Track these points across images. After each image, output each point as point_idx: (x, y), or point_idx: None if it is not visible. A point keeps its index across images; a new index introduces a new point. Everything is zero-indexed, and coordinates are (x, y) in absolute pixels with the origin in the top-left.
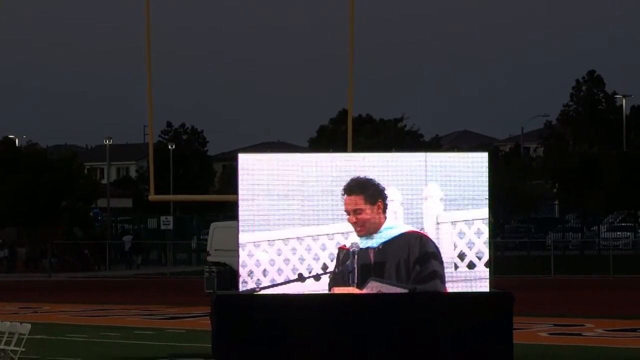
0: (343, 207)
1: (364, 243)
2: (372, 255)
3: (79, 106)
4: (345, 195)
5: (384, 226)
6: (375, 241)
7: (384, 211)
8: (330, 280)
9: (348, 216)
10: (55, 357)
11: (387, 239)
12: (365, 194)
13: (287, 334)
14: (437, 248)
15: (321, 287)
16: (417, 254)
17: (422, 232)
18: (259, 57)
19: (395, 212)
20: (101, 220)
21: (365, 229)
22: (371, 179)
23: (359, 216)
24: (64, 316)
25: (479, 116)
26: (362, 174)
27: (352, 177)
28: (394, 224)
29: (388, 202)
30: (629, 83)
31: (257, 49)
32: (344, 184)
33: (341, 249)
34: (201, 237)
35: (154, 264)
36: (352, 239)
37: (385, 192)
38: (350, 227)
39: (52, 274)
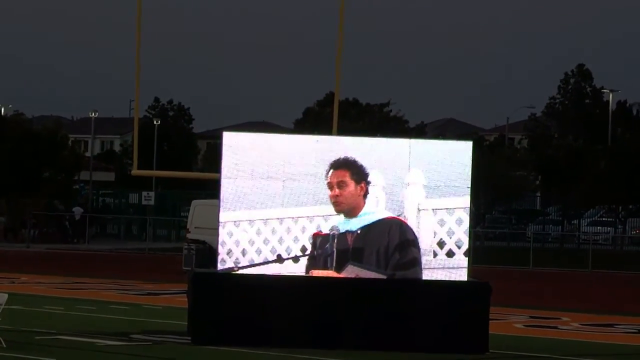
0: (325, 190)
1: (342, 227)
2: (350, 239)
3: (67, 78)
4: (332, 170)
5: (363, 211)
6: (354, 225)
7: (365, 196)
8: (307, 264)
9: (330, 191)
10: (31, 328)
11: (366, 224)
12: (352, 171)
13: (264, 314)
14: (415, 236)
15: (299, 269)
16: (397, 241)
17: (401, 218)
18: (247, 38)
19: (377, 197)
20: (84, 194)
21: (346, 205)
22: (357, 161)
23: (342, 190)
24: (41, 288)
25: (465, 105)
26: (347, 157)
27: (335, 159)
28: (373, 209)
29: (370, 187)
30: (616, 78)
31: (245, 31)
32: (328, 166)
33: (317, 234)
34: (182, 214)
35: (135, 239)
36: (332, 223)
37: (369, 177)
38: (331, 210)
39: (31, 245)
